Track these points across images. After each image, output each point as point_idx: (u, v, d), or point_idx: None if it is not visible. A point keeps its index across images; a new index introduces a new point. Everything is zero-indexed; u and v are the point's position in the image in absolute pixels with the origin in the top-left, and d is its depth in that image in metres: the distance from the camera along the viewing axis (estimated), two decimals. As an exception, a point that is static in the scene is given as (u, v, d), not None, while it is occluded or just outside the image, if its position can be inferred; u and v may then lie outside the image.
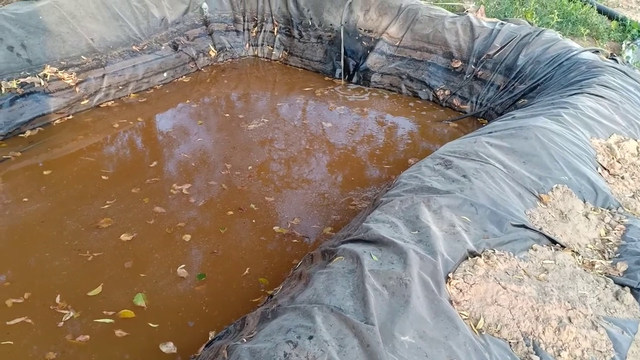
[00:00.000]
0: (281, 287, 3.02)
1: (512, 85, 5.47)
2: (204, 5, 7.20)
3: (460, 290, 2.46)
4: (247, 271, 3.38)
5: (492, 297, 2.44)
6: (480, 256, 2.68)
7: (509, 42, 5.67)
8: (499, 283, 2.50)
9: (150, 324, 2.96)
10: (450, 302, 2.37)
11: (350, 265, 2.57)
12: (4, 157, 4.58)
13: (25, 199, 4.02)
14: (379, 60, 6.62)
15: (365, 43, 6.75)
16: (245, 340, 2.32)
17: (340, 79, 6.82)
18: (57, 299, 3.09)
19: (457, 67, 6.06)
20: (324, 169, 4.67)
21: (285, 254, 3.55)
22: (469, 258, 2.67)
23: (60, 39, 5.50)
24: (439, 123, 5.67)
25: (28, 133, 5.01)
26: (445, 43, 6.14)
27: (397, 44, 6.54)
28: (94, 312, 3.02)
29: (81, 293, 3.15)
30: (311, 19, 7.16)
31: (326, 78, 6.88)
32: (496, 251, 2.72)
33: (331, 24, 6.99)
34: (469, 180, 3.18)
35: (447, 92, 6.07)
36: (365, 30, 6.78)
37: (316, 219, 3.93)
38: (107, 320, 2.97)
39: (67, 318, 2.97)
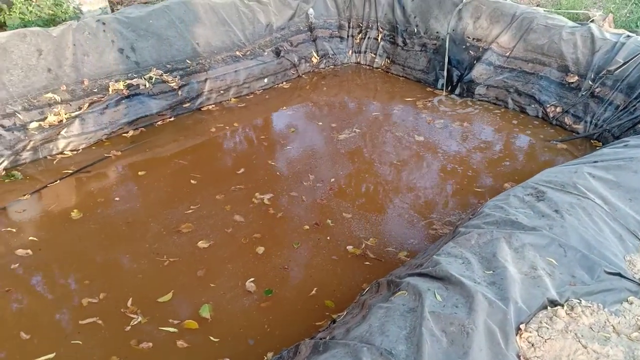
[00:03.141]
0: (345, 313, 2.90)
1: (634, 105, 4.88)
2: (310, 11, 7.22)
3: (532, 345, 2.19)
4: (314, 291, 3.29)
5: (569, 356, 2.15)
6: (562, 306, 2.38)
7: (634, 57, 5.07)
8: (579, 340, 2.19)
9: (212, 338, 2.95)
10: (519, 357, 2.12)
11: (411, 302, 2.39)
12: (105, 155, 4.87)
13: (117, 199, 4.22)
14: (486, 71, 6.24)
15: (472, 52, 6.40)
16: (290, 371, 2.24)
17: (442, 89, 6.52)
18: (129, 303, 3.18)
19: (572, 82, 5.54)
20: (408, 187, 4.45)
21: (355, 276, 3.40)
22: (549, 307, 2.37)
23: (167, 43, 5.75)
24: (546, 143, 5.21)
25: (131, 133, 5.29)
26: (561, 55, 5.64)
27: (507, 54, 6.12)
28: (160, 320, 3.07)
29: (152, 298, 3.23)
30: (417, 25, 6.91)
31: (427, 88, 6.62)
32: (583, 301, 2.40)
33: (437, 32, 6.70)
34: (561, 217, 2.85)
35: (558, 109, 5.57)
36: (473, 39, 6.42)
37: (393, 241, 3.74)
38: (172, 329, 3.00)
39: (135, 323, 3.04)
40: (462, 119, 5.72)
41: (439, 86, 6.57)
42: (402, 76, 7.01)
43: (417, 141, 5.20)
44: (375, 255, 3.59)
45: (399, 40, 7.09)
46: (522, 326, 2.25)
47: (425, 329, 2.14)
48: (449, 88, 6.50)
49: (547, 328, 2.24)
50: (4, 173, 4.53)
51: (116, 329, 3.00)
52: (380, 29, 7.31)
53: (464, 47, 6.47)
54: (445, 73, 6.49)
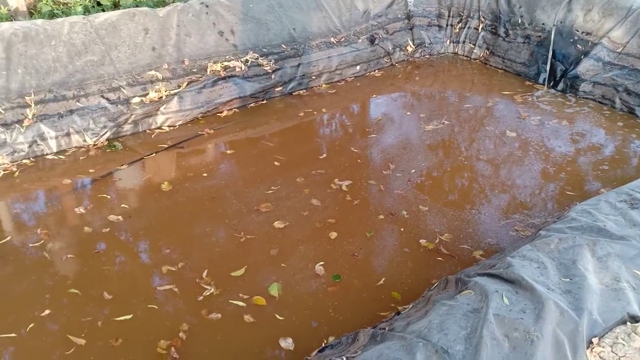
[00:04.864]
0: (410, 306, 2.86)
1: None
2: (410, -2, 7.09)
3: (604, 362, 2.04)
4: (382, 281, 3.25)
5: (646, 379, 1.98)
6: (644, 324, 2.20)
7: None
8: (659, 364, 2.02)
9: (277, 316, 3.01)
10: (587, 372, 1.99)
11: (476, 302, 2.31)
12: (199, 132, 5.10)
13: (205, 174, 4.41)
14: (594, 67, 5.82)
15: (579, 47, 5.99)
16: (346, 358, 2.24)
17: (543, 84, 6.16)
18: (204, 274, 3.32)
19: (691, 83, 5.04)
20: (493, 184, 4.28)
21: (426, 271, 3.32)
22: (628, 323, 2.21)
23: (265, 27, 5.89)
24: (654, 148, 4.79)
25: (224, 113, 5.50)
26: (681, 53, 5.14)
27: (619, 50, 5.67)
28: (231, 293, 3.18)
29: (226, 272, 3.34)
30: (521, 16, 6.58)
31: (527, 82, 6.28)
32: (669, 321, 2.21)
33: (543, 23, 6.34)
34: (656, 228, 2.62)
35: (672, 112, 5.09)
36: (582, 32, 6.01)
37: (469, 238, 3.60)
38: (240, 304, 3.10)
39: (207, 294, 3.17)
40: (561, 116, 5.38)
41: (541, 81, 6.22)
42: (501, 68, 6.70)
43: (509, 137, 4.96)
44: (449, 251, 3.48)
45: (501, 31, 6.78)
46: (594, 340, 2.11)
47: (487, 332, 2.06)
48: (551, 83, 6.13)
49: (624, 345, 2.09)
50: (106, 143, 4.88)
51: (189, 298, 3.15)
52: (482, 19, 7.03)
53: (571, 40, 6.07)
54: (548, 67, 6.13)
